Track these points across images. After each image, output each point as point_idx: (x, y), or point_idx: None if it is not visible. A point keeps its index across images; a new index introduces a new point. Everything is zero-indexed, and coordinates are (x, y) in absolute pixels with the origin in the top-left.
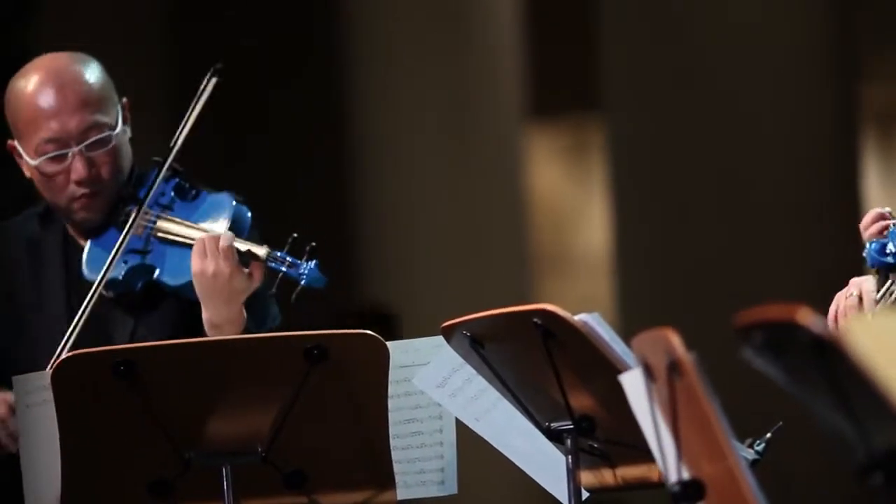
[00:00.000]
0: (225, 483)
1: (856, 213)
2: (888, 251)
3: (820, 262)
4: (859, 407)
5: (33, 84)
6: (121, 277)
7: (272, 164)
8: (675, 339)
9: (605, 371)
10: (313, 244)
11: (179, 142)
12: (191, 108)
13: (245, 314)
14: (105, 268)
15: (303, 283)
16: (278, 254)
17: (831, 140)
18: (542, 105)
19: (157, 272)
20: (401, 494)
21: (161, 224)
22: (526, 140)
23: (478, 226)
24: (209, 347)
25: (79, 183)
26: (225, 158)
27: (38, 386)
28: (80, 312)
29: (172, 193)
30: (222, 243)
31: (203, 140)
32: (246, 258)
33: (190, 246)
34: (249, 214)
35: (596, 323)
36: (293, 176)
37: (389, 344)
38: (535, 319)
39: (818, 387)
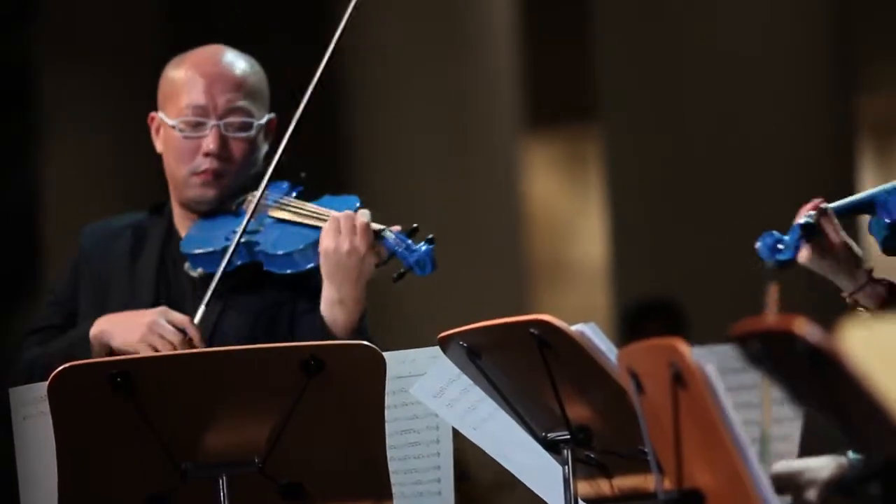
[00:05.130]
0: (222, 494)
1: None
2: (779, 247)
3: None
4: (856, 417)
5: (197, 56)
6: (219, 249)
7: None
8: (685, 349)
9: (602, 381)
10: (432, 236)
11: (283, 142)
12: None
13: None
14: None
15: (411, 262)
16: (397, 236)
17: (829, 151)
18: (538, 116)
19: (258, 246)
20: None
21: (277, 209)
22: (523, 150)
23: (475, 236)
24: (206, 359)
25: (207, 154)
26: None
27: (35, 397)
28: (207, 293)
29: (293, 190)
30: (360, 220)
31: None
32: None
33: (305, 226)
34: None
35: (593, 333)
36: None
37: (386, 354)
38: (532, 330)
39: (815, 396)
